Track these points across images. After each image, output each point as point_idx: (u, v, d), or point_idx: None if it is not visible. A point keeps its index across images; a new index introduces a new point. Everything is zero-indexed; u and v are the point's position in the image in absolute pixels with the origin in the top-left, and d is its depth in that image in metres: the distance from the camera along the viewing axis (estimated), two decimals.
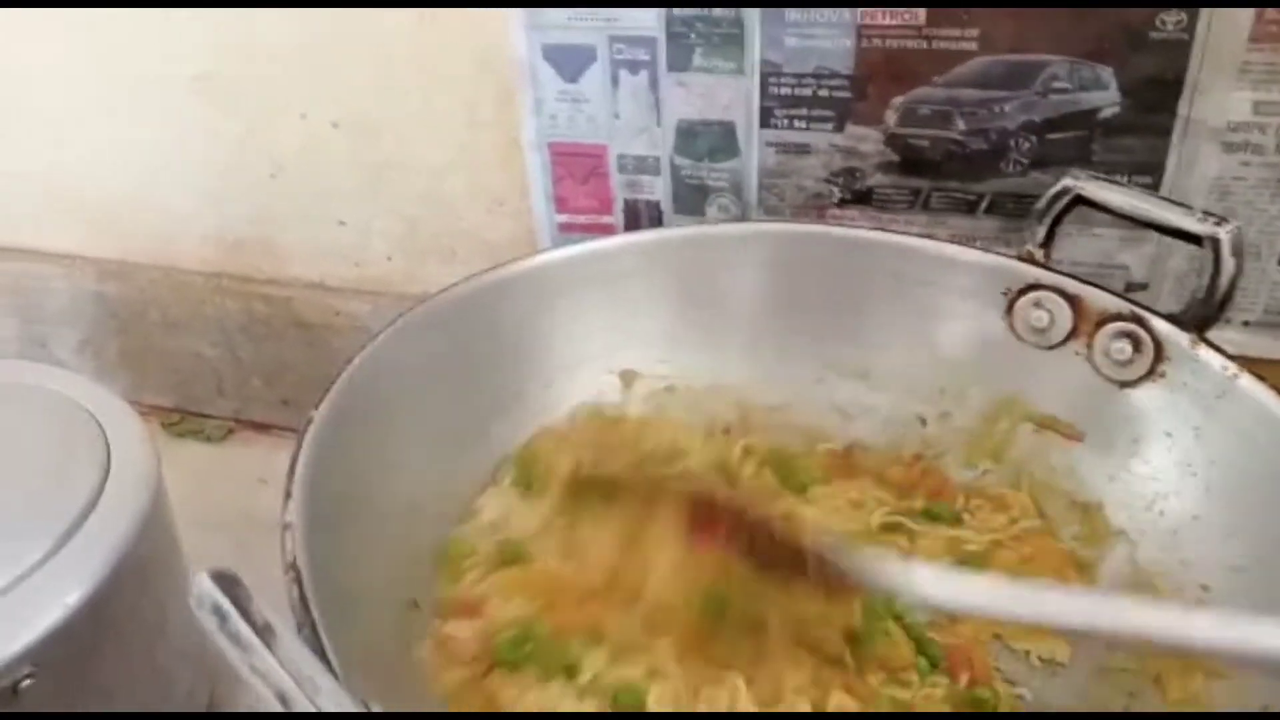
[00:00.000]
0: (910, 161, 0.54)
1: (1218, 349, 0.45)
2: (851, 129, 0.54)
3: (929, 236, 0.51)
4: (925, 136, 0.53)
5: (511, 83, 0.57)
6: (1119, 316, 0.47)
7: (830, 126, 0.54)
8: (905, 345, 0.51)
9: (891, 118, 0.53)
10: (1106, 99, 0.50)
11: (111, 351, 0.74)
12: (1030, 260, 0.49)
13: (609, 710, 0.38)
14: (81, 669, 0.42)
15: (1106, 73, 0.50)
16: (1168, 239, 0.47)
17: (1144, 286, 0.54)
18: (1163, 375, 0.46)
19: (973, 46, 0.50)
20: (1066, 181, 0.47)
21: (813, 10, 0.51)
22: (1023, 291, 0.49)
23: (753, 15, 0.52)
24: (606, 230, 0.59)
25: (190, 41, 0.62)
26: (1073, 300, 0.48)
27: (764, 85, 0.54)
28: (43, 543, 0.42)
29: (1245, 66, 0.48)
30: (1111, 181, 0.47)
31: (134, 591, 0.44)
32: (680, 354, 0.53)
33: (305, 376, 0.70)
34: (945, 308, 0.50)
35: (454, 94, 0.59)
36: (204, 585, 0.28)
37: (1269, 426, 0.42)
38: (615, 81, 0.56)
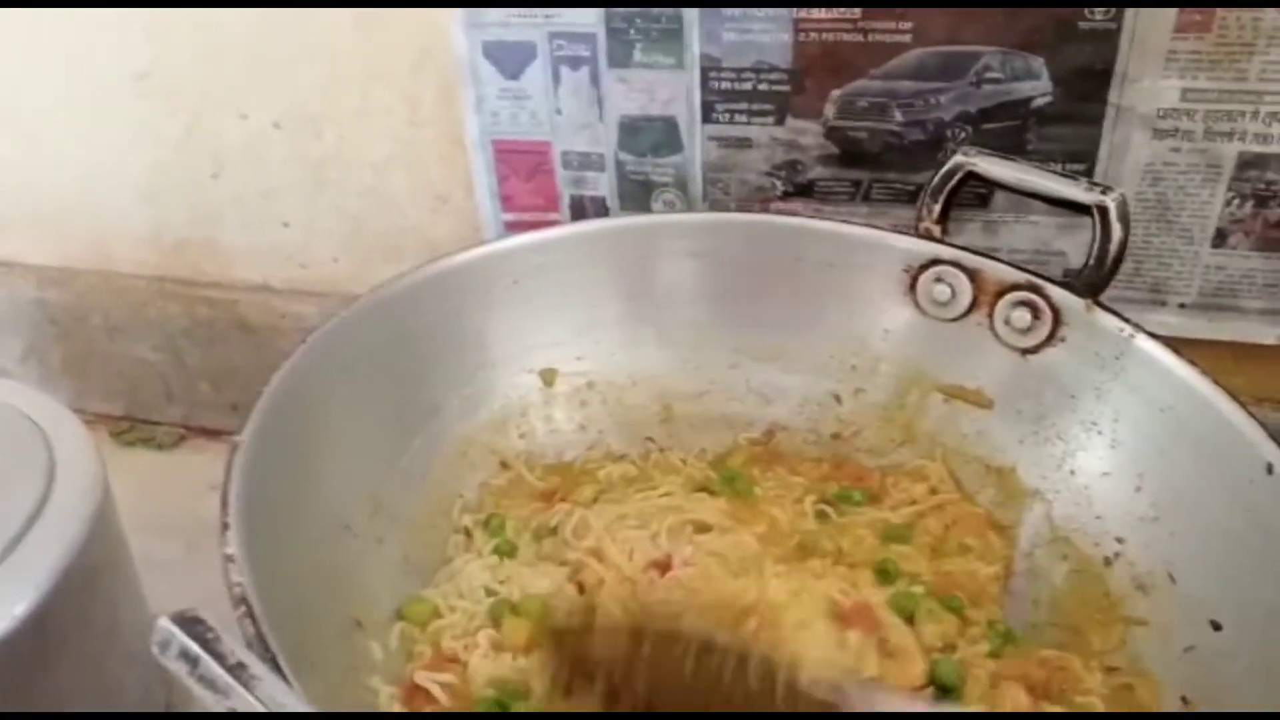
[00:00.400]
0: (850, 154, 0.54)
1: (1111, 310, 0.47)
2: (792, 122, 0.54)
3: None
4: (863, 128, 0.54)
5: (453, 80, 0.57)
6: (1016, 286, 0.49)
7: (771, 120, 0.54)
8: (814, 326, 0.53)
9: (830, 110, 0.54)
10: (1039, 89, 0.51)
11: (55, 359, 0.73)
12: (929, 237, 0.50)
13: None
14: (30, 678, 0.41)
15: (1038, 63, 0.50)
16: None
17: (1080, 272, 0.55)
18: (1062, 340, 0.48)
19: (907, 39, 0.51)
20: (958, 158, 0.49)
21: (750, 6, 0.52)
22: (924, 267, 0.50)
23: (691, 11, 0.52)
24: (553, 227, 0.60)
25: (129, 40, 0.61)
26: (971, 273, 0.49)
27: (704, 80, 0.54)
28: None
29: (1171, 55, 0.49)
30: (1001, 157, 0.49)
31: (82, 600, 0.44)
32: (598, 348, 0.54)
33: (253, 380, 0.68)
34: (851, 287, 0.52)
35: (395, 91, 0.59)
36: (166, 630, 0.27)
37: (1166, 382, 0.45)
38: (556, 78, 0.56)
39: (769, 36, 0.52)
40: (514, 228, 0.60)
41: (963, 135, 0.53)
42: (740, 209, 0.57)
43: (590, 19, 0.54)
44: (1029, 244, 0.55)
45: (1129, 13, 0.48)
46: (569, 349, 0.53)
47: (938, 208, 0.50)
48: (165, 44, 0.61)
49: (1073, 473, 0.48)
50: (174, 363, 0.70)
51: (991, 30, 0.50)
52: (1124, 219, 0.46)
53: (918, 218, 0.51)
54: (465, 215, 0.61)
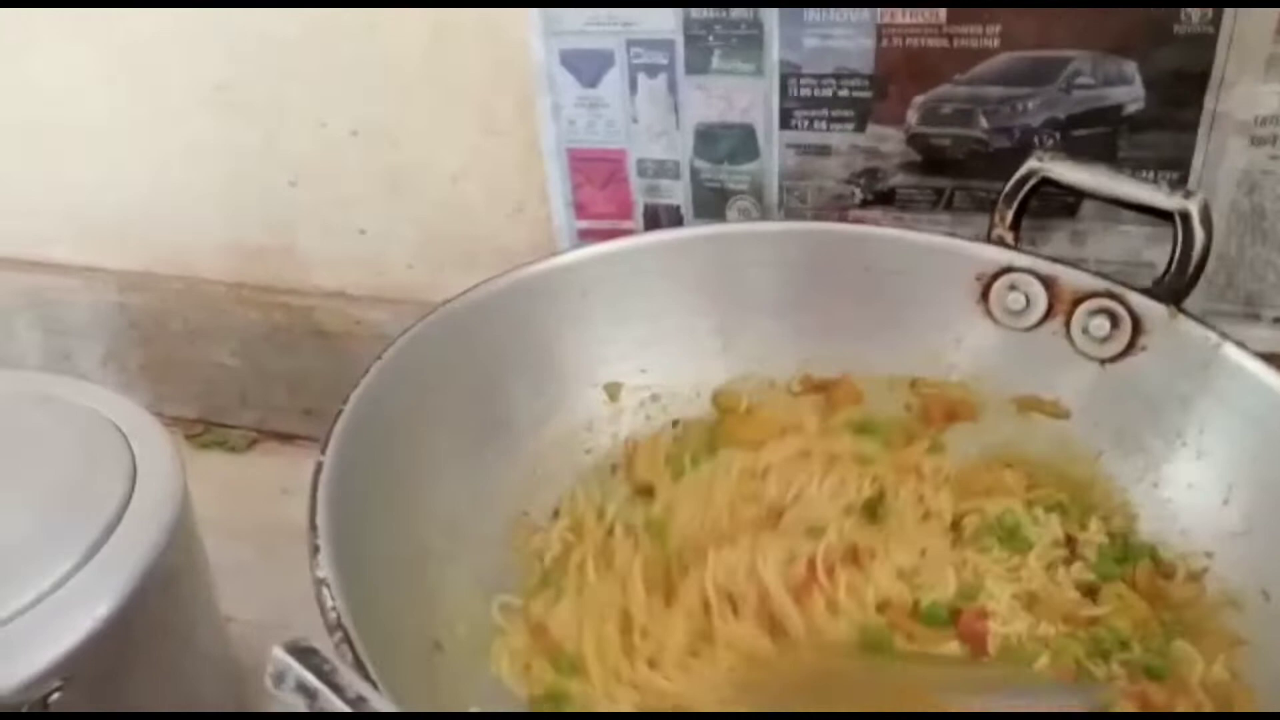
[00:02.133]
0: (932, 161, 0.53)
1: (1197, 319, 0.46)
2: (873, 129, 0.53)
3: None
4: (947, 135, 0.53)
5: (529, 88, 0.57)
6: (1094, 294, 0.48)
7: (851, 127, 0.54)
8: (883, 335, 0.51)
9: (913, 117, 0.53)
10: (1131, 94, 0.50)
11: (134, 363, 0.74)
12: (1001, 244, 0.49)
13: None
14: (110, 681, 0.42)
15: (1131, 68, 0.49)
16: None
17: None
18: (1143, 349, 0.47)
19: (994, 44, 0.50)
20: (1031, 164, 0.48)
21: (831, 10, 0.51)
22: (997, 275, 0.49)
23: (771, 16, 0.52)
24: (627, 236, 0.59)
25: (209, 53, 0.62)
26: (1047, 281, 0.48)
27: (783, 86, 0.54)
28: (70, 556, 0.42)
29: (1272, 59, 0.47)
30: (1077, 161, 0.48)
31: (161, 602, 0.44)
32: (663, 360, 0.53)
33: (327, 386, 0.70)
34: (922, 295, 0.51)
35: (471, 100, 0.59)
36: (283, 661, 0.27)
37: (1256, 392, 0.43)
38: (633, 85, 0.55)
39: (851, 42, 0.51)
40: (588, 236, 0.60)
41: (1051, 142, 0.51)
42: (817, 217, 0.56)
43: (668, 26, 0.53)
44: (1118, 254, 0.53)
45: (1227, 15, 0.47)
46: (634, 361, 0.52)
47: (1010, 214, 0.49)
48: (243, 56, 0.62)
49: (1155, 485, 0.47)
50: (251, 368, 0.71)
51: (1082, 34, 0.49)
52: (1206, 224, 0.44)
53: (990, 224, 0.50)
54: (540, 224, 0.61)
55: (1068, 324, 0.48)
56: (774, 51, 0.53)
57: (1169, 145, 0.50)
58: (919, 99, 0.52)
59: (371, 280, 0.67)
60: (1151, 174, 0.51)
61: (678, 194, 0.58)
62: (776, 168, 0.56)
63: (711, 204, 0.58)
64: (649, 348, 0.52)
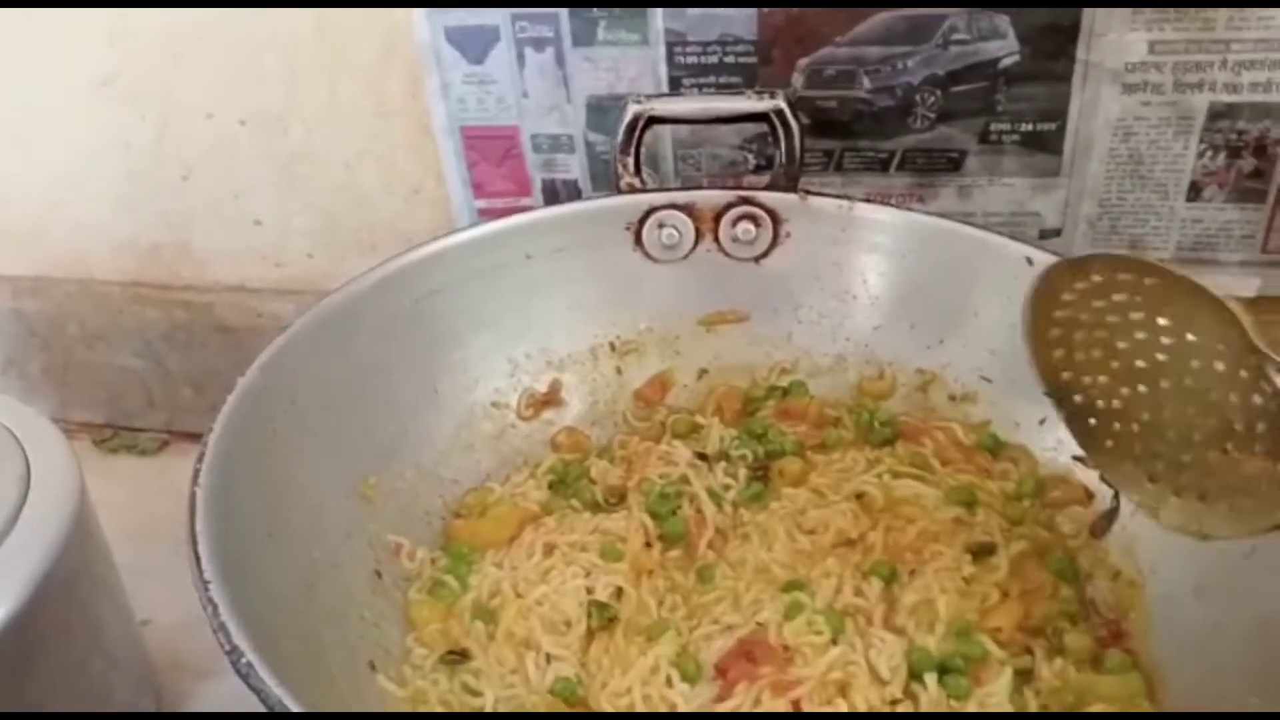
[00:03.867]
0: (820, 123, 0.54)
1: (822, 193, 0.51)
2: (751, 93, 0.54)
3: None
4: (833, 97, 0.53)
5: (418, 69, 0.56)
6: (730, 205, 0.51)
7: (739, 92, 0.54)
8: (551, 305, 0.52)
9: (798, 80, 0.53)
10: (1006, 48, 0.51)
11: (35, 369, 0.72)
12: (634, 190, 0.52)
13: None
14: (11, 683, 0.41)
15: (1004, 21, 0.50)
16: (1075, 183, 0.50)
17: (1057, 232, 0.55)
18: (788, 236, 0.51)
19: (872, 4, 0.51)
20: (635, 108, 0.50)
21: None
22: (643, 220, 0.52)
23: None
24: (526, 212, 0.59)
25: (92, 45, 0.60)
26: (686, 208, 0.52)
27: (670, 55, 0.54)
28: None
29: (1138, 8, 0.48)
30: (674, 95, 0.53)
31: (62, 607, 0.43)
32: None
33: (234, 382, 0.69)
34: (584, 263, 0.52)
35: (360, 83, 0.58)
36: None
37: (891, 232, 0.50)
38: (521, 60, 0.55)
39: (734, 9, 0.52)
40: (487, 215, 0.60)
41: (931, 99, 0.52)
42: (712, 184, 0.57)
43: None
44: (1004, 206, 0.55)
45: None
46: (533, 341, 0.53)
47: (631, 161, 0.52)
48: (128, 47, 0.60)
49: (848, 339, 0.52)
50: (154, 368, 0.70)
51: None
52: (795, 116, 0.50)
53: (616, 177, 0.52)
54: (438, 205, 0.61)
55: (717, 239, 0.52)
56: (659, 20, 0.53)
57: (1045, 97, 0.51)
58: (803, 62, 0.53)
59: (271, 272, 0.66)
60: (1031, 125, 0.52)
61: (574, 168, 0.58)
62: (669, 137, 0.56)
63: (607, 176, 0.58)
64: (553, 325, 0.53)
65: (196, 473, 0.35)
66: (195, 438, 0.71)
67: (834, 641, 0.40)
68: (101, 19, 0.60)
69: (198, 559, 0.32)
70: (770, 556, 0.44)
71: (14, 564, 0.41)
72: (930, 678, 0.39)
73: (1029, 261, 0.46)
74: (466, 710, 0.40)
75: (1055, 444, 0.46)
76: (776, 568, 0.44)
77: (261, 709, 0.29)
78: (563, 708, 0.39)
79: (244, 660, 0.30)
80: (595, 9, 0.53)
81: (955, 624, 0.41)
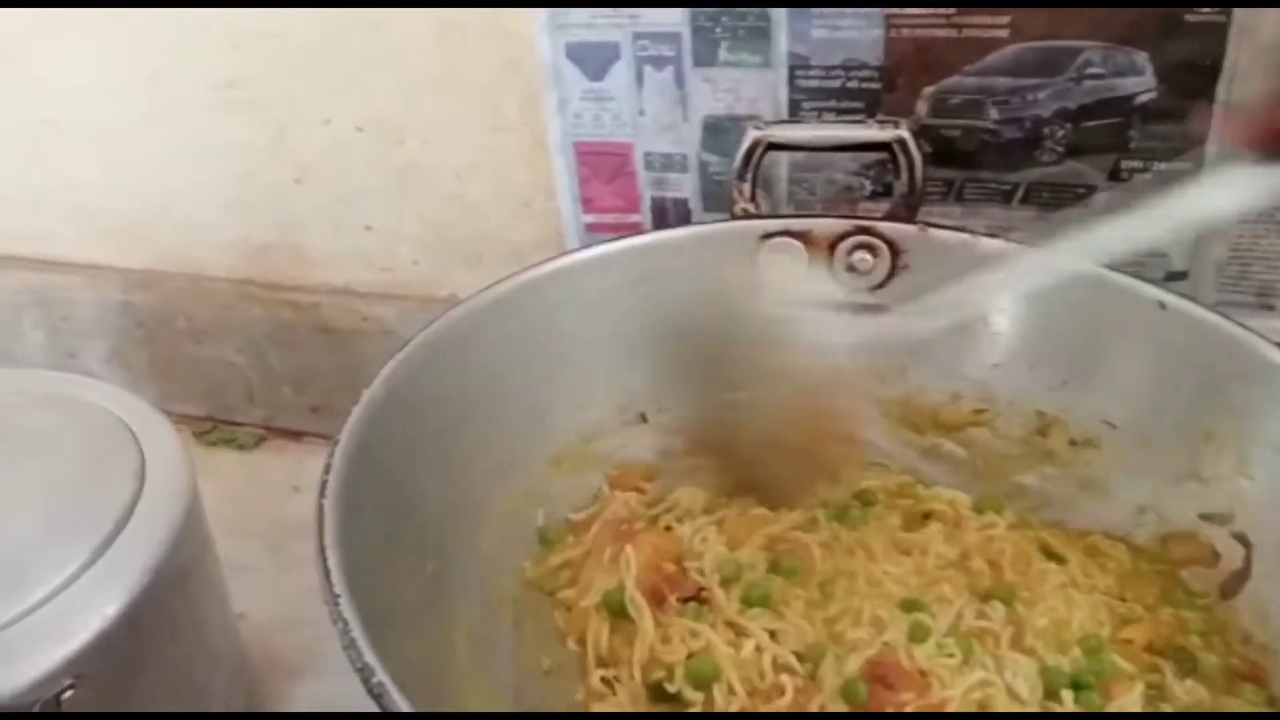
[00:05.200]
0: (942, 152, 0.53)
1: (943, 225, 0.50)
2: (882, 120, 0.53)
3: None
4: (957, 126, 0.52)
5: (535, 83, 0.57)
6: (847, 234, 0.51)
7: (860, 118, 0.53)
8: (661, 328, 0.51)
9: (922, 108, 0.52)
10: (1142, 84, 0.49)
11: (140, 361, 0.74)
12: (748, 216, 0.51)
13: None
14: (121, 678, 0.42)
15: (1142, 58, 0.49)
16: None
17: (1184, 275, 0.53)
18: (905, 267, 0.50)
19: (1004, 34, 0.50)
20: (754, 133, 0.50)
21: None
22: (757, 245, 0.51)
23: (779, 7, 0.52)
24: (634, 229, 0.59)
25: (215, 51, 0.62)
26: (802, 235, 0.51)
27: (791, 78, 0.53)
28: (80, 553, 0.41)
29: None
30: (794, 122, 0.53)
31: (171, 600, 0.44)
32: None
33: (334, 382, 0.70)
34: (708, 285, 0.50)
35: (478, 96, 0.59)
36: None
37: (1024, 269, 0.47)
38: (640, 79, 0.55)
39: (859, 33, 0.51)
40: (595, 230, 0.60)
41: (1061, 133, 0.51)
42: (826, 209, 0.56)
43: (675, 18, 0.53)
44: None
45: (1238, 5, 0.46)
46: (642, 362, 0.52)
47: (748, 186, 0.51)
48: (249, 54, 0.62)
49: (964, 377, 0.51)
50: (257, 365, 0.71)
51: (1093, 25, 0.49)
52: (919, 147, 0.49)
53: (732, 203, 0.52)
54: (547, 218, 0.61)
55: (830, 268, 0.51)
56: (781, 43, 0.53)
57: (1181, 136, 0.50)
58: (928, 90, 0.52)
59: (378, 277, 0.67)
60: (1164, 164, 0.51)
61: (686, 188, 0.58)
62: (786, 161, 0.56)
63: (719, 197, 0.57)
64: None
65: (323, 485, 0.35)
66: (292, 434, 0.73)
67: (966, 663, 0.39)
68: (226, 25, 0.61)
69: (327, 572, 0.32)
70: (880, 570, 0.44)
71: (130, 556, 0.42)
72: (1067, 694, 0.39)
73: (1161, 306, 0.44)
74: None
75: (1183, 497, 0.44)
76: (890, 582, 0.43)
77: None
78: None
79: (375, 680, 0.30)
80: (718, 30, 0.53)
81: (1086, 641, 0.40)
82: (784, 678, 0.40)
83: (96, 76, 0.65)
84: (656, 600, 0.43)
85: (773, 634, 0.41)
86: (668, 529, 0.47)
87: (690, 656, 0.41)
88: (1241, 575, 0.41)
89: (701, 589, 0.43)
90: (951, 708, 0.38)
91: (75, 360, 0.75)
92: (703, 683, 0.40)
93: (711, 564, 0.44)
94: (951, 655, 0.40)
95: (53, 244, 0.73)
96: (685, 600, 0.43)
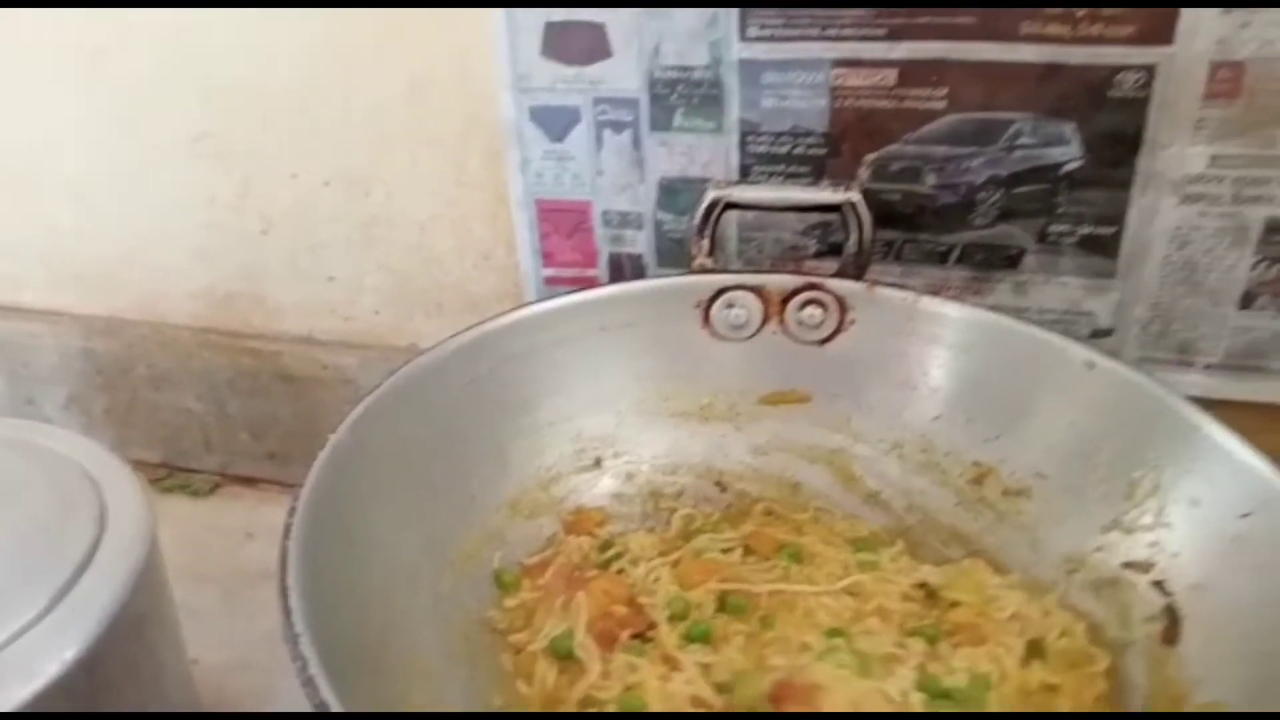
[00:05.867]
0: (883, 215, 0.55)
1: (889, 284, 0.53)
2: (826, 184, 0.56)
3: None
4: (897, 191, 0.55)
5: (499, 142, 0.59)
6: (798, 290, 0.53)
7: (806, 182, 0.56)
8: (619, 376, 0.54)
9: (864, 173, 0.55)
10: (1069, 154, 0.52)
11: (97, 408, 0.74)
12: (705, 271, 0.54)
13: None
14: None
15: (1069, 129, 0.52)
16: (1130, 286, 0.51)
17: (1109, 332, 0.56)
18: (853, 323, 0.53)
19: (941, 105, 0.52)
20: (713, 194, 0.53)
21: (789, 72, 0.53)
22: (713, 299, 0.54)
23: (731, 77, 0.54)
24: (591, 283, 0.61)
25: (186, 104, 0.63)
26: (757, 290, 0.53)
27: (743, 143, 0.56)
28: (39, 598, 0.42)
29: (1200, 122, 0.50)
30: (750, 183, 0.55)
31: (129, 645, 0.44)
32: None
33: (292, 430, 0.71)
34: (653, 338, 0.54)
35: (443, 153, 0.61)
36: None
37: (955, 326, 0.51)
38: (599, 141, 0.57)
39: (806, 103, 0.54)
40: (554, 282, 0.62)
41: (994, 198, 0.54)
42: (773, 268, 0.58)
43: (634, 85, 0.56)
44: (1058, 304, 0.56)
45: (1159, 80, 0.49)
46: (601, 410, 0.54)
47: (706, 243, 0.54)
48: (218, 107, 0.63)
49: (906, 428, 0.53)
50: (215, 412, 0.72)
51: (1024, 98, 0.51)
52: (866, 210, 0.52)
53: (691, 258, 0.54)
54: (507, 272, 0.63)
55: (783, 321, 0.54)
56: (734, 110, 0.55)
57: (1105, 202, 0.53)
58: (870, 156, 0.55)
59: (339, 326, 0.68)
60: (1089, 228, 0.54)
61: (641, 244, 0.60)
62: (735, 219, 0.58)
63: (673, 254, 0.60)
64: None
65: (288, 527, 0.36)
66: (248, 481, 0.74)
67: (859, 675, 0.41)
68: (197, 79, 0.62)
69: (288, 612, 0.33)
70: (818, 602, 0.46)
71: (89, 601, 0.42)
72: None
73: (1090, 365, 0.47)
74: None
75: (1107, 546, 0.46)
76: (823, 613, 0.45)
77: None
78: None
79: (331, 714, 0.31)
80: (674, 97, 0.55)
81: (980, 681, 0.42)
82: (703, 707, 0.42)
83: (69, 126, 0.66)
84: (607, 642, 0.44)
85: (707, 666, 0.43)
86: (619, 572, 0.49)
87: (628, 689, 0.42)
88: (1173, 621, 0.43)
89: (652, 624, 0.45)
90: (828, 709, 0.40)
91: (33, 406, 0.75)
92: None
93: (662, 600, 0.46)
94: (845, 668, 0.42)
95: (18, 290, 0.74)
96: (635, 636, 0.45)
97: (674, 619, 0.45)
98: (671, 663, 0.43)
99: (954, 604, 0.46)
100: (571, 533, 0.52)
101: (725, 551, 0.50)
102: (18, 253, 0.72)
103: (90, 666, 0.41)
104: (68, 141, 0.67)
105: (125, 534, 0.46)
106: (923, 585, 0.47)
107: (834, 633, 0.44)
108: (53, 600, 0.42)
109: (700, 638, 0.44)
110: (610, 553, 0.50)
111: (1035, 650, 0.44)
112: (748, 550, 0.50)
